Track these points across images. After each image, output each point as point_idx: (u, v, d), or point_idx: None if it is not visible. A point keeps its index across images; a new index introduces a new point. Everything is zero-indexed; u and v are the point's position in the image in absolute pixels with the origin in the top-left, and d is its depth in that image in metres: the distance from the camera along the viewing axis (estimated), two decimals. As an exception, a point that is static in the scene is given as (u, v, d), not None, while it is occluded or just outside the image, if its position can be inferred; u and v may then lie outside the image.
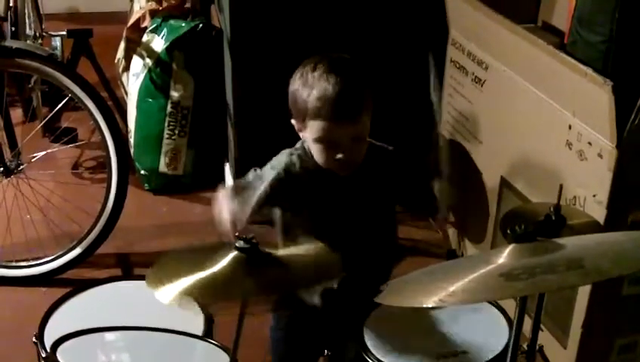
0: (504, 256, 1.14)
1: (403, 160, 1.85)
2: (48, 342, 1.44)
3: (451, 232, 2.70)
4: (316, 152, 1.64)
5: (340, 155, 1.59)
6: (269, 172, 1.68)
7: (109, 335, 1.49)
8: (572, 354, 2.02)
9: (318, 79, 1.60)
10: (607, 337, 2.02)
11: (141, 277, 1.29)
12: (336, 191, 1.65)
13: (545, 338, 2.04)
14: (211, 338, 1.51)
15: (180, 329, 1.49)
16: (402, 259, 1.92)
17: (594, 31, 2.01)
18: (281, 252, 1.26)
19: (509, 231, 1.15)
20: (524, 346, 1.44)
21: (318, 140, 1.61)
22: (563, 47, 2.07)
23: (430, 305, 1.07)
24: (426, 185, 1.90)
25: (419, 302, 1.11)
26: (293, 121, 1.70)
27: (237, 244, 1.19)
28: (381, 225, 1.77)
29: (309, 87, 1.61)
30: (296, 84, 1.65)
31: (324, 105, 1.57)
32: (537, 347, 1.46)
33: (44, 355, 1.41)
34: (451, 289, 1.08)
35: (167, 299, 1.17)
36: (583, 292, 1.95)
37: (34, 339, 1.46)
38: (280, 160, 1.71)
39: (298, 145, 1.73)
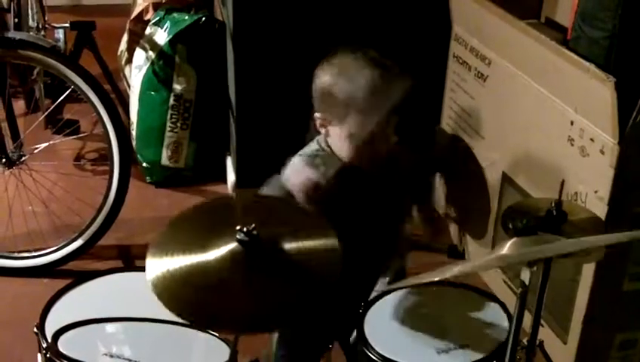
0: (506, 250, 1.14)
1: (416, 155, 1.85)
2: (49, 332, 1.44)
3: (452, 228, 2.70)
4: (348, 147, 1.59)
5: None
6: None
7: (110, 326, 1.49)
8: (572, 349, 2.02)
9: (362, 72, 1.54)
10: (607, 333, 2.02)
11: (142, 269, 1.28)
12: (361, 186, 1.62)
13: (545, 333, 2.04)
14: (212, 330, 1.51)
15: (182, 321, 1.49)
16: (409, 251, 1.92)
17: (597, 27, 2.01)
18: (287, 246, 1.24)
19: (510, 226, 1.15)
20: (524, 341, 1.44)
21: (358, 135, 1.56)
22: (566, 43, 2.07)
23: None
24: (426, 178, 1.90)
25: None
26: (318, 115, 1.64)
27: (238, 236, 1.18)
28: (398, 218, 1.77)
29: (351, 79, 1.54)
30: (330, 78, 1.58)
31: (376, 99, 1.53)
32: (537, 342, 1.46)
33: (44, 345, 1.42)
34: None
35: (156, 291, 1.16)
36: (584, 288, 1.96)
37: (35, 330, 1.47)
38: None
39: (314, 145, 1.68)
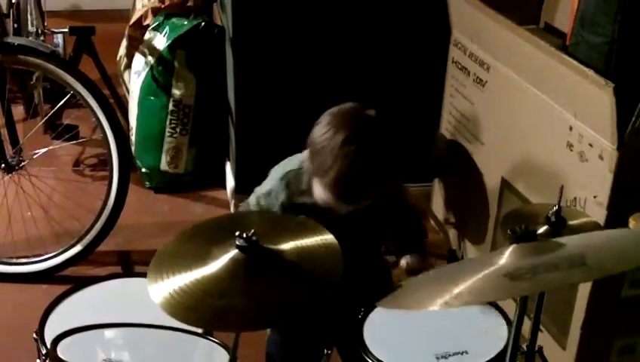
0: (506, 257, 1.14)
1: (399, 202, 1.83)
2: (49, 338, 1.44)
3: (452, 233, 2.70)
4: (316, 193, 1.61)
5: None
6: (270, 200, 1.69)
7: (109, 332, 1.49)
8: (571, 355, 2.02)
9: (338, 154, 1.51)
10: (606, 338, 2.02)
11: (142, 275, 1.28)
12: (332, 224, 1.58)
13: (544, 339, 2.04)
14: (212, 336, 1.51)
15: (181, 327, 1.49)
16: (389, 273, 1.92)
17: (596, 32, 2.01)
18: (285, 246, 1.25)
19: (509, 232, 1.15)
20: (524, 347, 1.44)
21: (320, 199, 1.59)
22: (565, 48, 2.07)
23: (436, 308, 1.06)
24: (417, 226, 1.88)
25: (424, 305, 1.11)
26: (305, 153, 1.65)
27: (237, 243, 1.19)
28: (369, 259, 1.78)
29: (329, 155, 1.53)
30: (319, 138, 1.57)
31: (338, 187, 1.53)
32: (537, 348, 1.46)
33: (44, 351, 1.42)
34: (456, 291, 1.08)
35: (158, 299, 1.17)
36: (583, 294, 1.96)
37: (34, 336, 1.47)
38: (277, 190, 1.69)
39: (294, 166, 1.72)
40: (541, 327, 1.49)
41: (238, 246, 1.19)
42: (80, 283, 1.65)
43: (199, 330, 1.52)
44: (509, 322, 1.57)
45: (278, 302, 1.17)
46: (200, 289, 1.16)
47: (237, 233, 1.18)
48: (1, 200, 2.53)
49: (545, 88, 2.07)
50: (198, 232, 1.35)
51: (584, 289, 1.95)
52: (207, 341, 1.49)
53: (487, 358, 1.49)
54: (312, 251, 1.25)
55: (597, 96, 1.82)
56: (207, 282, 1.17)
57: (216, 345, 1.47)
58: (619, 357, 2.05)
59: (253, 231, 1.19)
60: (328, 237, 1.28)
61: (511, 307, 1.53)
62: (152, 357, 1.45)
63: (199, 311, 1.15)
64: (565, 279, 1.09)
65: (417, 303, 1.18)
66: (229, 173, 2.97)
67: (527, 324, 1.34)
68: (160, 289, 1.17)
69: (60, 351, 1.41)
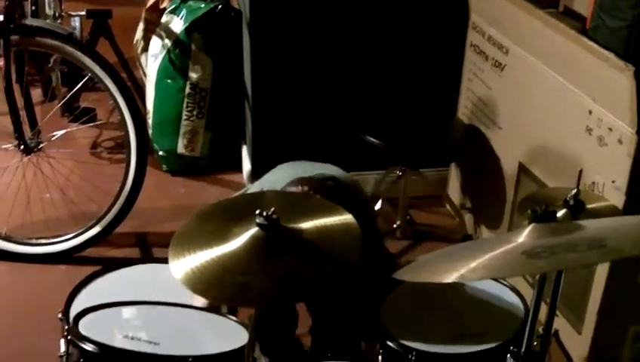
0: (524, 236, 1.14)
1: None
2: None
3: (467, 218, 2.70)
4: None
5: None
6: None
7: (130, 310, 1.51)
8: (587, 340, 2.02)
9: None
10: (621, 324, 2.01)
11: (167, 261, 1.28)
12: None
13: (560, 324, 2.04)
14: (233, 315, 1.52)
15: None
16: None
17: (616, 16, 1.99)
18: (304, 225, 1.25)
19: (529, 212, 1.15)
20: (540, 330, 1.44)
21: None
22: (585, 32, 2.05)
23: (451, 280, 1.07)
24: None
25: (440, 277, 1.11)
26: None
27: (258, 221, 1.19)
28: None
29: None
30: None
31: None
32: (552, 331, 1.46)
33: (66, 328, 1.43)
34: (472, 265, 1.08)
35: (180, 275, 1.18)
36: (599, 280, 1.95)
37: (60, 316, 1.47)
38: None
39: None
40: (557, 312, 1.49)
41: (258, 224, 1.19)
42: (108, 266, 1.65)
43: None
44: (525, 305, 1.58)
45: (296, 280, 1.18)
46: (220, 266, 1.17)
47: (257, 211, 1.19)
48: (19, 181, 2.55)
49: (564, 72, 2.05)
50: (217, 211, 1.36)
51: (600, 275, 1.95)
52: (226, 319, 1.50)
53: (503, 340, 1.49)
54: (331, 231, 1.26)
55: (617, 80, 1.80)
56: (228, 259, 1.18)
57: (236, 322, 1.48)
58: (634, 343, 2.05)
59: (273, 209, 1.19)
60: (347, 217, 1.28)
61: (527, 292, 1.54)
62: (172, 335, 1.46)
63: (219, 287, 1.16)
64: (583, 259, 1.09)
65: (433, 275, 1.19)
66: (245, 157, 2.97)
67: (542, 309, 1.34)
68: (181, 266, 1.18)
69: (82, 327, 1.43)
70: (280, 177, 1.74)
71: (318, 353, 1.83)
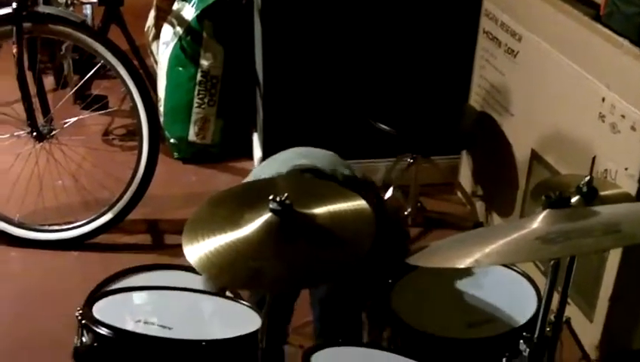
0: (538, 221, 1.14)
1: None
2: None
3: (479, 205, 2.70)
4: None
5: None
6: None
7: (142, 295, 1.52)
8: (598, 327, 2.02)
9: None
10: (633, 312, 2.01)
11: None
12: None
13: (571, 311, 2.03)
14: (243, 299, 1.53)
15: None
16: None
17: (631, 2, 1.98)
18: (318, 211, 1.25)
19: (544, 198, 1.15)
20: (551, 317, 1.43)
21: None
22: (598, 18, 2.04)
23: (465, 265, 1.07)
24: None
25: (454, 262, 1.11)
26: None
27: (271, 206, 1.19)
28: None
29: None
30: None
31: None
32: (564, 319, 1.45)
33: (80, 312, 1.44)
34: (486, 250, 1.08)
35: (194, 259, 1.18)
36: (611, 267, 1.95)
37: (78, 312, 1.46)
38: None
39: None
40: (569, 300, 1.49)
41: (271, 210, 1.20)
42: (141, 266, 1.64)
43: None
44: (537, 290, 1.57)
45: (309, 265, 1.18)
46: (234, 251, 1.17)
47: (270, 196, 1.19)
48: (32, 168, 2.56)
49: (577, 58, 2.04)
50: (229, 197, 1.36)
51: (612, 263, 1.94)
52: (240, 304, 1.51)
53: (516, 326, 1.49)
54: (344, 216, 1.26)
55: (631, 67, 1.79)
56: (241, 244, 1.18)
57: (248, 308, 1.49)
58: (646, 331, 2.04)
59: (286, 194, 1.20)
60: (361, 203, 1.28)
61: (539, 279, 1.54)
62: (184, 320, 1.47)
63: (232, 272, 1.16)
64: (598, 245, 1.09)
65: (447, 261, 1.19)
66: (256, 144, 2.98)
67: (554, 297, 1.34)
68: (195, 251, 1.18)
69: (95, 312, 1.44)
70: (266, 170, 1.73)
71: (327, 338, 1.83)
